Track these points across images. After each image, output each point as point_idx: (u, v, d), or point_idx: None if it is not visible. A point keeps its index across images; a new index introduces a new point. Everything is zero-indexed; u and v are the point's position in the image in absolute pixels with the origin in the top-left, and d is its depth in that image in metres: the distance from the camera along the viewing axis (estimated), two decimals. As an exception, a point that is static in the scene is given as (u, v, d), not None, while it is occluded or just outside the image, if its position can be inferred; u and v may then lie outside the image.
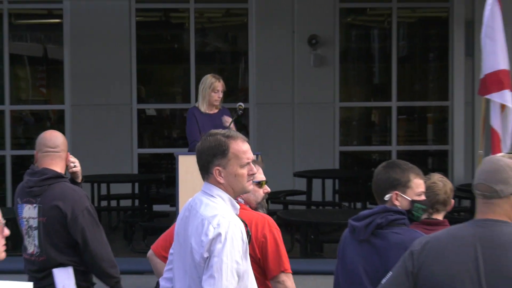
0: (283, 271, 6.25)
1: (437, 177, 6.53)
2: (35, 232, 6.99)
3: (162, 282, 5.92)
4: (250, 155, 5.56)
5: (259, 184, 6.58)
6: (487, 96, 10.71)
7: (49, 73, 18.78)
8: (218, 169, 5.26)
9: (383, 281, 4.79)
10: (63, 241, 6.98)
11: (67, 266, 6.91)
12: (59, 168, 7.05)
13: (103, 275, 7.09)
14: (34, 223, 6.99)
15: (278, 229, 6.33)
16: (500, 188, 4.50)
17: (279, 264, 6.24)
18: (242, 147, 5.40)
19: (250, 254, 5.90)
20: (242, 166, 5.35)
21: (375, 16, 19.68)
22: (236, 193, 5.44)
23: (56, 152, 7.03)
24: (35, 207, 6.97)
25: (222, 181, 5.29)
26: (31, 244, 7.03)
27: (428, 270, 4.60)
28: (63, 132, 8.04)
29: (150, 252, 6.54)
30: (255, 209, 6.60)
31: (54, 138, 7.13)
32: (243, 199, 6.40)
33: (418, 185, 5.78)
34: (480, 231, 4.57)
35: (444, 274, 4.60)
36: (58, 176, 6.99)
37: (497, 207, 4.57)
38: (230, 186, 5.37)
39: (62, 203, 6.89)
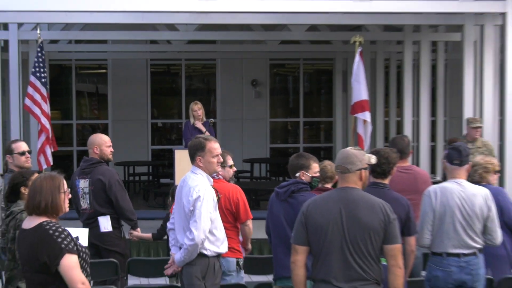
0: (248, 219, 7.28)
1: (327, 163, 7.26)
2: (87, 196, 7.72)
3: (168, 225, 6.62)
4: (219, 151, 6.40)
5: (230, 166, 7.50)
6: (355, 115, 12.52)
7: (99, 101, 20.55)
8: (199, 158, 6.28)
9: (293, 231, 5.48)
10: (104, 200, 7.76)
11: (106, 215, 7.77)
12: (97, 156, 7.83)
13: (126, 219, 7.95)
14: (86, 190, 7.73)
15: (243, 193, 7.32)
16: (350, 167, 5.34)
17: (246, 214, 7.23)
18: (213, 146, 6.34)
19: (228, 209, 7.08)
20: (213, 157, 6.31)
21: (290, 68, 21.41)
22: (210, 172, 6.36)
23: (94, 146, 7.83)
24: (86, 180, 7.75)
25: (201, 165, 6.27)
26: (85, 203, 7.78)
27: (312, 218, 5.30)
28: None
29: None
30: (228, 181, 7.49)
31: (94, 139, 8.00)
32: (221, 176, 7.22)
33: (315, 167, 6.71)
34: (342, 194, 5.35)
35: (321, 220, 5.27)
36: (99, 162, 7.82)
37: (349, 178, 5.37)
38: (206, 168, 6.31)
39: (102, 177, 7.71)
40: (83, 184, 7.73)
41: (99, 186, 7.65)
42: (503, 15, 11.34)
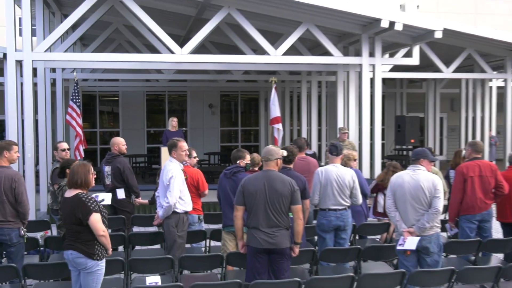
0: (204, 189, 7.07)
1: (255, 154, 6.78)
2: (110, 176, 7.53)
3: (156, 194, 6.57)
4: (186, 147, 6.31)
5: (194, 157, 7.34)
6: (272, 125, 12.35)
7: (113, 117, 20.12)
8: (174, 152, 6.18)
9: (235, 197, 5.38)
10: (120, 179, 7.49)
11: (121, 188, 7.54)
12: (117, 151, 7.61)
13: (133, 192, 7.62)
14: (109, 172, 7.53)
15: (202, 174, 7.15)
16: (270, 157, 5.32)
17: (203, 186, 7.03)
18: (182, 144, 6.23)
19: (192, 184, 6.86)
20: (182, 151, 6.23)
21: (232, 96, 20.81)
22: (180, 161, 6.27)
23: (115, 145, 7.66)
24: (109, 166, 7.55)
25: (175, 156, 6.19)
26: (108, 180, 7.57)
27: (246, 188, 5.25)
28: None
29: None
30: (193, 167, 7.29)
31: (114, 140, 7.76)
32: (188, 163, 7.03)
33: (247, 158, 6.58)
34: (265, 174, 5.30)
35: (252, 189, 5.19)
36: (117, 155, 7.59)
37: (270, 164, 5.33)
38: (178, 158, 6.21)
39: (119, 165, 7.48)
40: (107, 169, 7.60)
41: (117, 171, 7.51)
42: (360, 65, 11.43)
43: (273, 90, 12.21)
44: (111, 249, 5.05)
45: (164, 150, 10.62)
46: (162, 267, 5.63)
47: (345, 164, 7.31)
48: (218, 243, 7.01)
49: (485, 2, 22.56)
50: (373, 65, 11.45)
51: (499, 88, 16.36)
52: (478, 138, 15.74)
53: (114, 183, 7.56)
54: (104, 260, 4.95)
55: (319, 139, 16.41)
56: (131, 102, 19.70)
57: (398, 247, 5.48)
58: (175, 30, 13.48)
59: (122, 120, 19.80)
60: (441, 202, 5.47)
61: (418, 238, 5.40)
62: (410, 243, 5.38)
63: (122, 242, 6.78)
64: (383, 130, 17.45)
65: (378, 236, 7.80)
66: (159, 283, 5.14)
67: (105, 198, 6.15)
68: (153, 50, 12.02)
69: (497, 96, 16.23)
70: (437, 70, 14.02)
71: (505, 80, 14.45)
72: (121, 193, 7.58)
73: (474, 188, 6.73)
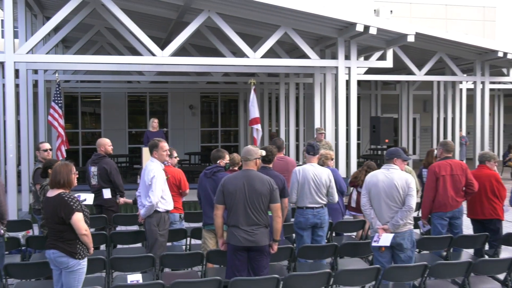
0: (186, 189, 6.99)
1: (235, 154, 6.81)
2: (96, 176, 7.48)
3: (136, 193, 6.39)
4: (167, 147, 6.28)
5: (175, 157, 7.25)
6: (251, 126, 12.36)
7: (95, 117, 19.84)
8: (155, 152, 6.13)
9: (215, 195, 5.35)
10: (106, 179, 7.43)
11: (108, 188, 7.49)
12: (103, 152, 7.57)
13: (119, 191, 7.58)
14: (95, 173, 7.48)
15: (184, 173, 7.10)
16: (250, 157, 5.32)
17: (185, 186, 6.97)
18: (163, 145, 6.19)
19: (174, 183, 6.78)
20: (163, 151, 6.18)
21: (212, 98, 20.78)
22: (161, 161, 6.22)
23: (101, 146, 7.61)
24: (96, 167, 7.50)
25: (156, 156, 6.15)
26: (94, 180, 7.52)
27: (226, 187, 5.20)
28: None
29: None
30: (174, 166, 7.21)
31: (100, 141, 7.71)
32: (169, 163, 6.97)
33: (227, 157, 6.57)
34: (245, 173, 5.27)
35: (232, 188, 5.17)
36: (103, 156, 7.56)
37: (249, 164, 5.32)
38: (159, 158, 6.17)
39: (106, 166, 7.44)
40: (93, 169, 7.56)
41: (104, 171, 7.46)
42: (336, 68, 11.50)
43: (252, 92, 12.21)
44: (92, 248, 4.99)
45: (145, 150, 10.77)
46: (143, 265, 5.58)
47: (322, 163, 7.33)
48: (198, 241, 6.96)
49: (456, 8, 22.89)
50: (349, 68, 11.53)
51: (468, 90, 16.54)
52: (449, 138, 15.99)
53: (101, 183, 7.50)
54: (86, 259, 4.89)
55: (297, 139, 16.34)
56: (113, 103, 19.44)
57: (373, 244, 5.50)
58: (156, 33, 13.41)
59: (104, 121, 19.56)
60: (414, 200, 5.49)
61: (392, 234, 5.42)
62: (385, 239, 5.40)
63: (104, 241, 6.70)
64: (358, 130, 17.64)
65: (354, 233, 7.83)
66: (140, 281, 5.06)
67: (87, 198, 6.08)
68: (135, 52, 11.92)
69: (467, 98, 16.47)
70: (410, 72, 14.13)
71: (474, 83, 14.70)
72: (107, 193, 7.52)
73: (446, 186, 6.80)
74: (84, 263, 4.86)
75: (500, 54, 13.35)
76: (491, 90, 16.19)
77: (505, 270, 5.40)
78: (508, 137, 22.01)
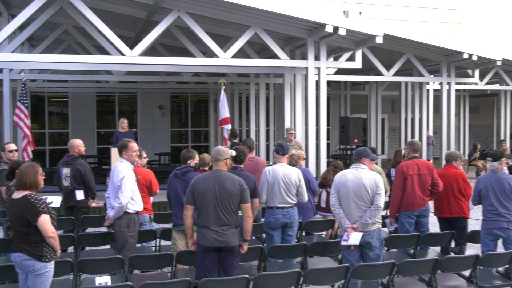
0: (156, 190, 7.02)
1: (205, 155, 6.93)
2: (69, 178, 7.37)
3: (106, 195, 6.32)
4: (136, 148, 6.26)
5: (144, 158, 7.21)
6: (222, 126, 12.85)
7: (63, 117, 19.49)
8: (124, 152, 6.12)
9: (185, 196, 5.33)
10: (80, 180, 7.37)
11: (81, 190, 7.44)
12: (77, 154, 7.51)
13: (92, 193, 7.53)
14: (68, 174, 7.38)
15: (154, 174, 7.07)
16: (220, 157, 5.31)
17: (155, 187, 7.00)
18: (133, 145, 6.17)
19: (144, 184, 6.77)
20: (133, 152, 6.16)
21: (182, 98, 20.56)
22: (131, 161, 6.20)
23: (74, 148, 7.53)
24: (68, 168, 7.39)
25: (126, 157, 6.13)
26: (67, 182, 7.41)
27: (196, 188, 5.18)
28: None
29: None
30: (144, 167, 7.20)
31: (73, 142, 7.64)
32: (139, 164, 6.94)
33: (197, 158, 6.60)
34: (215, 173, 5.26)
35: (202, 189, 5.14)
36: (76, 157, 7.50)
37: (220, 164, 5.31)
38: (129, 159, 6.13)
39: (80, 167, 7.38)
40: (66, 170, 7.45)
41: (78, 173, 7.39)
42: (306, 68, 11.58)
43: (222, 92, 12.31)
44: (60, 251, 4.91)
45: (114, 151, 10.51)
46: (112, 267, 5.51)
47: (295, 163, 7.38)
48: (168, 242, 6.91)
49: (423, 10, 23.27)
50: (318, 68, 11.62)
51: (435, 90, 16.78)
52: (416, 138, 16.31)
53: (74, 184, 7.43)
54: (52, 262, 4.80)
55: (267, 139, 16.45)
56: (81, 103, 19.19)
57: (343, 243, 5.53)
58: (125, 32, 13.28)
59: (71, 121, 19.29)
60: (382, 199, 5.55)
61: (361, 233, 5.47)
62: (354, 238, 5.45)
63: (71, 243, 6.62)
64: (328, 130, 17.74)
65: (324, 233, 7.88)
66: (109, 283, 5.01)
67: (54, 200, 6.03)
68: (103, 51, 11.72)
69: (434, 98, 16.72)
70: (379, 73, 14.33)
71: (440, 83, 14.95)
72: (80, 195, 7.46)
73: (413, 185, 6.90)
74: (51, 266, 4.77)
75: (466, 56, 13.65)
76: (457, 91, 16.44)
77: (470, 267, 5.50)
78: (473, 137, 22.36)
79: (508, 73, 17.57)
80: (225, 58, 10.83)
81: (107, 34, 10.20)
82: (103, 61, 11.10)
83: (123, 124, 12.29)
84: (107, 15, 11.42)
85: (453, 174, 7.16)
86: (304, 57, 11.94)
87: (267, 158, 15.74)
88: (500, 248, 6.31)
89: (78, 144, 7.58)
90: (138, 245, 6.61)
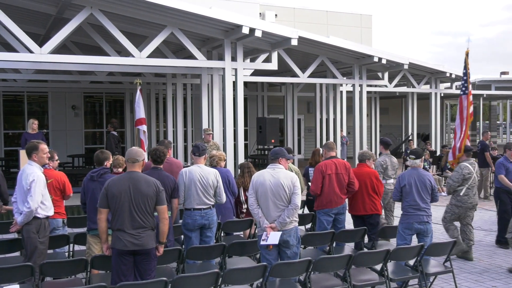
0: (70, 193, 6.81)
1: (119, 156, 6.63)
2: None
3: (12, 199, 6.01)
4: (47, 150, 6.06)
5: (56, 160, 6.94)
6: (137, 127, 11.82)
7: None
8: (34, 155, 5.90)
9: (99, 199, 5.17)
10: None
11: None
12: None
13: (3, 198, 7.27)
14: None
15: (67, 177, 6.89)
16: (138, 158, 5.23)
17: (69, 189, 6.78)
18: (44, 147, 5.99)
19: (57, 187, 6.58)
20: (44, 154, 5.98)
21: (97, 98, 19.72)
22: (41, 164, 6.01)
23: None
24: None
25: (36, 159, 5.91)
26: None
27: (110, 191, 5.06)
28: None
29: None
30: (55, 169, 6.90)
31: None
32: (51, 166, 6.74)
33: (111, 159, 6.45)
34: (130, 175, 5.15)
35: (116, 191, 5.04)
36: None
37: (136, 166, 5.24)
38: (39, 161, 5.94)
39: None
40: None
41: None
42: (223, 69, 11.63)
43: (138, 92, 11.88)
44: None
45: (23, 153, 10.09)
46: (21, 275, 5.23)
47: (216, 164, 7.42)
48: (82, 247, 6.70)
49: (336, 15, 24.11)
50: (235, 69, 11.72)
51: (348, 92, 17.50)
52: (331, 137, 16.83)
53: None
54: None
55: (185, 140, 16.33)
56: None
57: (262, 243, 5.58)
58: (34, 29, 12.77)
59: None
60: (299, 198, 5.66)
61: (280, 233, 5.55)
62: (273, 238, 5.52)
63: (-25, 251, 6.28)
64: (246, 131, 17.99)
65: (241, 233, 7.93)
66: (18, 293, 4.77)
67: None
68: (10, 48, 11.16)
69: (347, 100, 17.27)
70: (294, 75, 14.71)
71: (353, 85, 15.55)
72: None
73: (332, 184, 7.16)
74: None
75: (376, 59, 14.37)
76: (368, 92, 17.30)
77: (382, 261, 5.72)
78: (384, 136, 23.28)
79: (414, 76, 18.59)
80: (140, 58, 10.66)
81: (13, 30, 9.70)
82: (9, 59, 10.42)
83: (33, 125, 11.90)
84: (13, 10, 10.89)
85: (367, 173, 7.49)
86: (221, 57, 11.99)
87: (185, 159, 15.67)
88: (414, 243, 6.55)
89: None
90: (50, 251, 6.39)
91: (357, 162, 7.86)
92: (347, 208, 7.58)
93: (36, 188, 5.72)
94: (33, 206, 5.67)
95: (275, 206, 5.62)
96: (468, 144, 8.25)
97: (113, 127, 13.88)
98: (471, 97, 8.61)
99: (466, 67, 8.66)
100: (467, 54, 8.62)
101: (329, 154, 7.38)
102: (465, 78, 8.68)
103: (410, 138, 18.80)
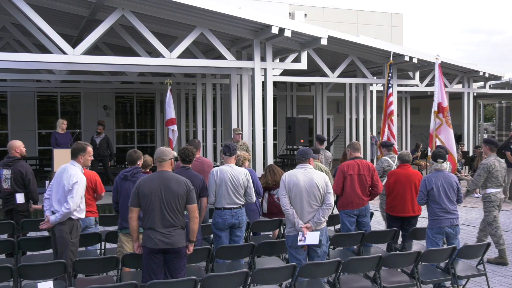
0: (102, 192, 6.97)
1: (147, 156, 6.70)
2: (9, 179, 7.23)
3: (45, 195, 6.01)
4: (92, 153, 6.15)
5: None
6: (168, 127, 11.99)
7: (1, 118, 18.77)
8: (81, 156, 5.94)
9: (130, 198, 5.25)
10: (20, 183, 7.27)
11: (21, 193, 7.33)
12: (18, 155, 7.38)
13: (32, 197, 7.43)
14: (8, 176, 7.23)
15: (98, 175, 6.97)
16: (165, 158, 5.27)
17: (101, 189, 6.94)
18: (91, 150, 6.09)
19: (90, 187, 6.71)
20: (90, 156, 6.07)
21: (128, 98, 20.27)
22: (85, 166, 6.11)
23: (16, 148, 7.40)
24: (9, 170, 7.26)
25: (81, 161, 5.96)
26: (6, 184, 7.28)
27: (141, 190, 5.11)
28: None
29: None
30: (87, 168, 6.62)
31: (13, 143, 7.42)
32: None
33: (143, 159, 6.51)
34: (160, 174, 5.18)
35: (147, 190, 5.08)
36: (18, 159, 7.39)
37: (165, 165, 5.25)
38: (84, 163, 6.01)
39: (22, 169, 7.27)
40: (6, 172, 7.30)
41: (19, 174, 7.28)
42: (252, 69, 11.61)
43: (168, 92, 12.05)
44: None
45: (57, 153, 10.68)
46: (55, 272, 5.33)
47: (241, 164, 7.40)
48: (114, 245, 6.76)
49: (366, 13, 23.91)
50: (265, 69, 11.67)
51: (378, 92, 17.25)
52: (360, 138, 16.58)
53: (14, 187, 7.29)
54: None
55: (215, 140, 16.41)
56: (21, 103, 18.61)
57: (299, 243, 5.56)
58: (67, 30, 12.95)
59: (10, 121, 18.65)
60: (332, 198, 5.70)
61: (318, 232, 5.56)
62: (312, 238, 5.52)
63: (11, 248, 6.40)
64: (275, 131, 17.95)
65: (271, 232, 7.94)
66: (52, 288, 4.84)
67: None
68: (44, 50, 11.35)
69: (377, 100, 17.09)
70: (324, 74, 14.54)
71: (383, 85, 15.26)
72: (20, 197, 7.31)
73: (353, 185, 7.12)
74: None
75: (406, 59, 14.12)
76: (398, 92, 16.97)
77: (412, 263, 5.65)
78: (415, 137, 22.92)
79: (446, 76, 18.17)
80: (171, 58, 10.71)
81: (47, 32, 9.86)
82: (44, 60, 10.59)
83: (63, 126, 12.18)
84: (47, 12, 11.08)
85: (414, 173, 7.44)
86: (250, 58, 11.96)
87: (214, 159, 15.75)
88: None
89: (19, 145, 7.39)
90: (82, 248, 6.52)
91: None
92: (383, 209, 7.56)
93: (79, 190, 5.77)
94: (72, 207, 5.71)
95: (309, 207, 5.62)
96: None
97: (101, 125, 14.06)
98: (390, 98, 11.45)
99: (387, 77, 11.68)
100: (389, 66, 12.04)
101: (354, 154, 7.35)
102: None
103: (462, 142, 18.29)
